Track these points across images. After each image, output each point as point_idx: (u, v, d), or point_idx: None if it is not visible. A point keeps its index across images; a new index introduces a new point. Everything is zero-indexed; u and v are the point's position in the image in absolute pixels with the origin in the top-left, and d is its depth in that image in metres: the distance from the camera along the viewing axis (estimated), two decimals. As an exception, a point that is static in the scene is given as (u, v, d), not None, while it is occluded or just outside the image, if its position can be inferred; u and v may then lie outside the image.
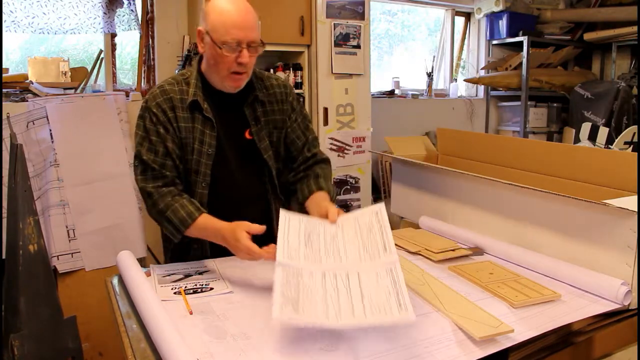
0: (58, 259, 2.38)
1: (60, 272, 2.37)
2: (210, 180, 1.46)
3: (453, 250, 1.53)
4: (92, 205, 2.46)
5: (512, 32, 4.26)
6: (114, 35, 2.91)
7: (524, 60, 4.16)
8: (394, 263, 1.12)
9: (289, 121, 1.58)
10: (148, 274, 1.35)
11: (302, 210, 1.52)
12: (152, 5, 2.96)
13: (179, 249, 1.51)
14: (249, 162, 1.52)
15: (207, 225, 1.36)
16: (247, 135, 1.52)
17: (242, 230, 1.26)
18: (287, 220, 1.24)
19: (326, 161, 1.63)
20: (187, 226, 1.37)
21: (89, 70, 2.80)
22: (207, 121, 1.45)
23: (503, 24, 4.31)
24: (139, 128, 1.46)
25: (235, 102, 1.50)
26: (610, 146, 3.66)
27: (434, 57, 4.39)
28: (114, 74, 2.96)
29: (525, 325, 1.07)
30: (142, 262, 2.56)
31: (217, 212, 1.44)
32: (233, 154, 1.50)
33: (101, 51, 2.85)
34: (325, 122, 3.09)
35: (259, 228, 1.26)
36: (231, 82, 1.42)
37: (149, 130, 1.43)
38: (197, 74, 1.48)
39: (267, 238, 1.54)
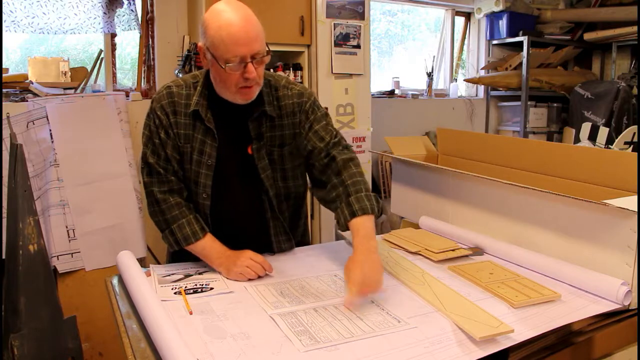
0: (58, 259, 2.38)
1: (60, 272, 2.37)
2: (210, 191, 1.43)
3: (453, 250, 1.53)
4: (92, 205, 2.46)
5: (512, 32, 4.26)
6: (114, 35, 2.91)
7: (524, 60, 4.16)
8: (371, 298, 1.20)
9: (303, 132, 1.45)
10: (148, 274, 1.35)
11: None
12: (152, 5, 2.96)
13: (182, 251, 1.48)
14: (249, 177, 1.45)
15: (209, 245, 1.40)
16: (249, 150, 1.44)
17: (247, 253, 1.37)
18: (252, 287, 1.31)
19: (348, 162, 1.40)
20: (190, 243, 1.39)
21: (89, 70, 2.80)
22: (209, 131, 1.40)
23: (503, 24, 4.30)
24: (145, 127, 1.44)
25: (242, 113, 1.41)
26: (610, 146, 3.65)
27: (434, 57, 4.39)
28: (114, 74, 2.96)
29: (525, 325, 1.07)
30: (142, 262, 2.56)
31: (215, 224, 1.46)
32: (234, 168, 1.44)
33: (101, 51, 2.85)
34: (325, 122, 3.09)
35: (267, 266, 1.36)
36: (242, 96, 1.34)
37: (153, 132, 1.41)
38: (204, 80, 1.41)
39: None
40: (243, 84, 1.30)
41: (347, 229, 1.31)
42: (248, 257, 1.33)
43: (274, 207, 1.48)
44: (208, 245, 1.39)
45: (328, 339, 1.02)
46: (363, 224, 1.28)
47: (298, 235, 1.62)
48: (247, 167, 1.44)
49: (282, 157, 1.46)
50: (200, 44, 1.32)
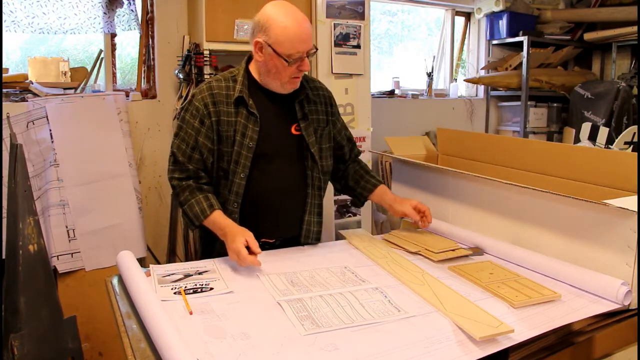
0: (58, 259, 2.38)
1: (60, 272, 2.37)
2: (249, 172, 1.54)
3: (453, 250, 1.53)
4: (92, 205, 2.46)
5: (512, 32, 4.25)
6: (114, 35, 2.91)
7: (524, 60, 4.16)
8: (376, 286, 1.28)
9: (338, 124, 1.75)
10: (148, 274, 1.35)
11: (359, 200, 1.80)
12: (152, 5, 2.96)
13: (210, 237, 1.58)
14: (293, 157, 1.62)
15: (215, 221, 1.50)
16: (293, 130, 1.61)
17: (242, 236, 1.39)
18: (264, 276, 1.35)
19: (357, 156, 1.87)
20: (200, 221, 1.51)
21: (89, 70, 2.80)
22: (251, 116, 1.55)
23: (503, 24, 4.30)
24: (180, 120, 1.60)
25: (282, 99, 1.60)
26: (610, 146, 3.65)
27: (434, 57, 4.39)
28: (114, 74, 2.96)
29: (525, 325, 1.07)
30: (142, 262, 2.57)
31: (253, 203, 1.57)
32: (277, 149, 1.59)
33: (101, 51, 2.85)
34: (325, 122, 3.09)
35: (256, 248, 1.38)
36: (291, 85, 1.56)
37: (187, 122, 1.56)
38: (244, 72, 1.59)
39: (294, 236, 1.65)
40: (296, 75, 1.53)
41: (371, 192, 1.77)
42: (241, 242, 1.37)
43: (320, 180, 1.64)
44: (211, 221, 1.50)
45: (329, 325, 1.07)
46: (386, 188, 1.78)
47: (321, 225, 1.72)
48: (291, 147, 1.61)
49: (322, 137, 1.67)
50: (260, 40, 1.50)
